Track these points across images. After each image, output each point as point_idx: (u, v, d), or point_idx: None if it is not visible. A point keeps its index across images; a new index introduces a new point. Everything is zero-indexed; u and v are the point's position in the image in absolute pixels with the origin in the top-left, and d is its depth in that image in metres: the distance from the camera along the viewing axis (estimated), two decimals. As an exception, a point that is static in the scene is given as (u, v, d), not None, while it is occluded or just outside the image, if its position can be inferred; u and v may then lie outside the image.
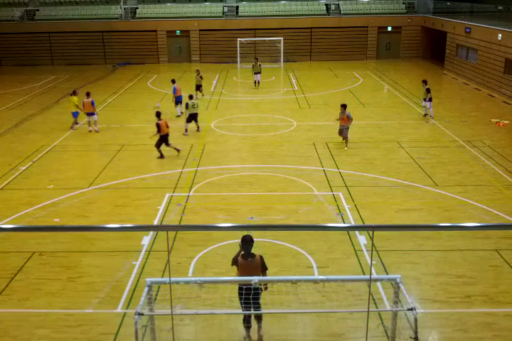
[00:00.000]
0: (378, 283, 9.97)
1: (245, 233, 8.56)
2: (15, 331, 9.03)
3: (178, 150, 17.96)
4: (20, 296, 10.01)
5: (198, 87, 27.25)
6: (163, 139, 17.71)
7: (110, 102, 26.79)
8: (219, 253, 11.41)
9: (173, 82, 23.61)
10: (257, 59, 30.44)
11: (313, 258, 11.12)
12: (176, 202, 14.15)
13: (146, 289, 6.93)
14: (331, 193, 14.59)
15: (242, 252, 8.41)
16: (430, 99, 22.16)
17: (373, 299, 9.63)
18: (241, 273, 8.30)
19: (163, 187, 15.22)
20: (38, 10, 40.83)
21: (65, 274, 10.73)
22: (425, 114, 22.77)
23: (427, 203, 13.93)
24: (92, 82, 32.85)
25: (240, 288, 8.17)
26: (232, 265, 8.58)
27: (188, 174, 16.27)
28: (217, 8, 40.41)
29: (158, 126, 17.41)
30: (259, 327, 8.69)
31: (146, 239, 12.02)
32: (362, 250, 11.50)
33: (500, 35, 26.88)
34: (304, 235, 11.98)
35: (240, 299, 8.21)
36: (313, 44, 40.03)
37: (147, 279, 7.09)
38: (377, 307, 9.38)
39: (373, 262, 10.97)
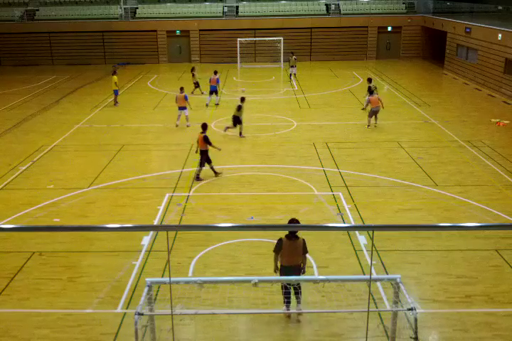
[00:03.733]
0: (378, 283, 9.97)
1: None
2: (15, 331, 9.03)
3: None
4: (20, 296, 10.01)
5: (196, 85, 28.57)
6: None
7: (110, 102, 26.78)
8: (219, 253, 11.41)
9: (215, 73, 26.05)
10: (292, 53, 32.70)
11: (313, 258, 11.11)
12: (176, 202, 14.15)
13: (146, 289, 6.93)
14: (331, 193, 14.59)
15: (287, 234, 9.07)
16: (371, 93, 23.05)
17: (373, 299, 9.63)
18: (284, 253, 8.93)
19: (163, 187, 15.21)
20: (38, 10, 40.84)
21: (65, 274, 10.73)
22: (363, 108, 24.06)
23: (427, 203, 13.93)
24: (92, 82, 32.86)
25: (285, 267, 8.96)
26: (274, 251, 9.12)
27: (188, 174, 16.27)
28: (217, 8, 40.41)
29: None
30: (298, 303, 9.15)
31: (146, 239, 12.02)
32: (362, 250, 11.50)
33: (500, 35, 26.88)
34: (304, 235, 11.95)
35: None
36: (313, 44, 40.03)
37: (147, 279, 7.09)
38: (377, 307, 9.38)
39: (373, 262, 10.96)
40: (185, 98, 21.30)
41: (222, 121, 22.53)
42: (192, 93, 27.91)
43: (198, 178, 15.70)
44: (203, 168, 15.79)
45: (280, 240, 9.03)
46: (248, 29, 39.32)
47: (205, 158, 15.77)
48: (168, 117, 23.52)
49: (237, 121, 20.16)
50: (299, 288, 9.00)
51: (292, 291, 9.05)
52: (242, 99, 20.50)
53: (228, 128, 20.45)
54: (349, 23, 39.65)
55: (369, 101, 21.25)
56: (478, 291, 9.96)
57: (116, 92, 25.81)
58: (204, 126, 16.02)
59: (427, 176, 15.80)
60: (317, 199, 14.26)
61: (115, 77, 25.48)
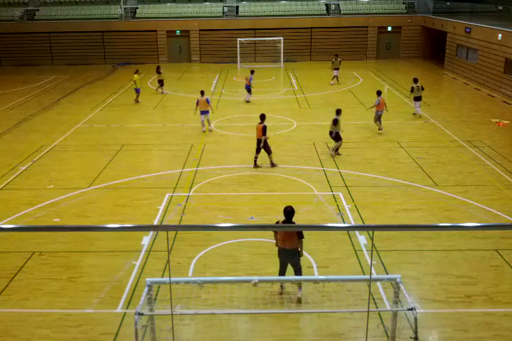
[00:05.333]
0: (378, 283, 9.97)
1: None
2: (15, 331, 9.03)
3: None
4: (20, 296, 10.01)
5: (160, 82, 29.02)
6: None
7: (110, 102, 26.79)
8: (219, 253, 11.42)
9: (251, 72, 26.73)
10: (336, 55, 31.86)
11: (313, 258, 11.12)
12: (176, 202, 14.15)
13: (146, 289, 6.93)
14: (331, 193, 14.59)
15: (284, 219, 9.60)
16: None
17: (373, 299, 9.63)
18: (280, 236, 9.54)
19: (163, 187, 15.21)
20: (38, 10, 40.81)
21: (65, 274, 10.74)
22: None
23: (427, 203, 13.93)
24: (92, 82, 32.85)
25: (281, 249, 9.56)
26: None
27: (188, 174, 16.27)
28: (217, 8, 40.40)
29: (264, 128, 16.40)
30: (299, 289, 9.65)
31: (146, 239, 12.02)
32: (362, 250, 11.50)
33: (500, 35, 26.87)
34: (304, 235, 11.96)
35: (281, 261, 9.72)
36: (313, 44, 40.01)
37: (147, 279, 7.09)
38: (377, 307, 9.38)
39: (373, 262, 10.97)
40: (207, 101, 20.34)
41: (222, 121, 22.53)
42: (162, 92, 28.59)
43: (255, 165, 16.69)
44: (270, 154, 16.63)
45: (277, 223, 9.66)
46: (248, 29, 39.30)
47: (265, 146, 16.46)
48: (168, 117, 23.54)
49: (336, 137, 17.43)
50: (299, 271, 9.64)
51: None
52: (338, 112, 17.45)
53: (336, 151, 17.82)
54: (349, 23, 39.63)
55: (378, 104, 20.15)
56: (478, 291, 9.96)
57: (137, 91, 26.07)
58: (262, 117, 16.68)
59: (427, 176, 15.80)
60: (317, 199, 14.26)
61: (136, 75, 25.81)
